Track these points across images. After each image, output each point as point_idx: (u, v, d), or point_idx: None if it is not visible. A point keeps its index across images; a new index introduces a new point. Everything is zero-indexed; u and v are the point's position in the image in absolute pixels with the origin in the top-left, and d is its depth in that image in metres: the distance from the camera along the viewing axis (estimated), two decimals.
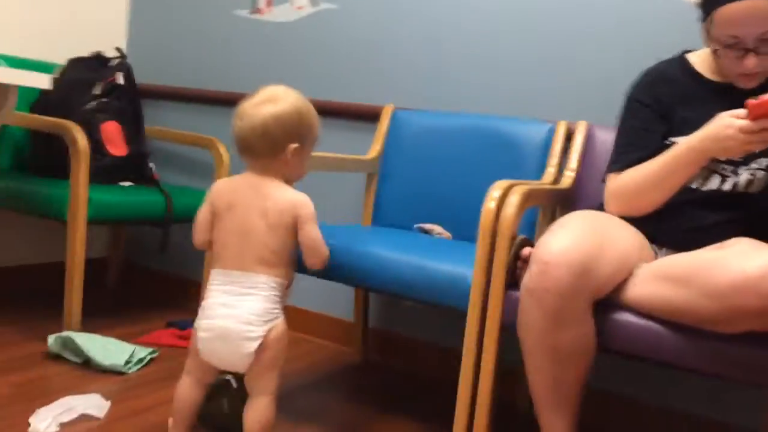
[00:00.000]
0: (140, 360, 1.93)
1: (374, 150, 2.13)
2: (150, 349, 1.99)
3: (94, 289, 2.65)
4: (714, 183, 1.41)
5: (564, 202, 1.82)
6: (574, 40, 2.00)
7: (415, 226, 1.99)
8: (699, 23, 1.42)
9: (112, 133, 2.27)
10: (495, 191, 1.45)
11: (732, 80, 1.41)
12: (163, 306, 2.57)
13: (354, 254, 1.58)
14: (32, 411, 1.52)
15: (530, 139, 1.94)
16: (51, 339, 1.91)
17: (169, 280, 2.75)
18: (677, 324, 1.22)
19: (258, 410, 1.38)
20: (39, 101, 2.29)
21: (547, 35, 2.04)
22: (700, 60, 1.50)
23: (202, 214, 1.46)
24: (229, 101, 2.48)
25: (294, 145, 1.41)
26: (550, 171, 1.87)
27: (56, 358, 1.90)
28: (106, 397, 1.65)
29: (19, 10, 2.46)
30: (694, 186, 1.42)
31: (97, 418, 1.57)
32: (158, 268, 2.79)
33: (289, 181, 1.46)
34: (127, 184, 2.29)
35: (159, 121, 2.75)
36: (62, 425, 1.51)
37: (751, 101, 1.23)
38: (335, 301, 2.36)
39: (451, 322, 2.16)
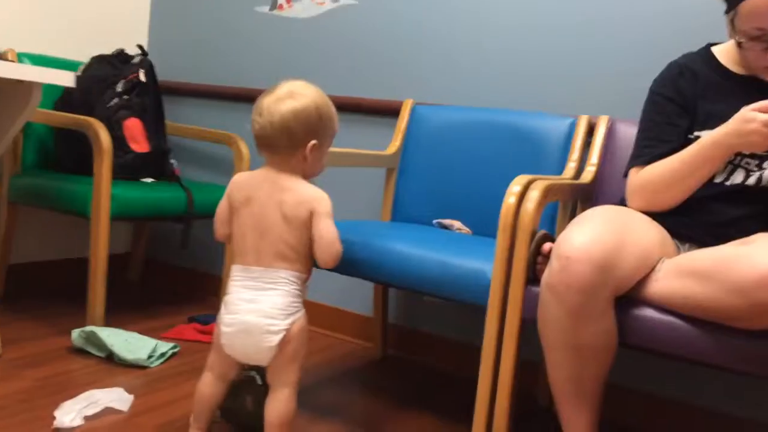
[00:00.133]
0: (162, 354, 1.95)
1: (394, 145, 2.13)
2: (172, 344, 2.01)
3: (116, 285, 2.69)
4: (738, 177, 1.39)
5: (585, 197, 1.81)
6: (596, 33, 1.98)
7: (435, 221, 1.99)
8: (724, 15, 1.40)
9: (134, 129, 2.28)
10: (515, 186, 1.44)
11: (757, 73, 1.39)
12: (185, 301, 2.60)
13: (373, 250, 1.58)
14: (57, 404, 1.55)
15: (551, 133, 1.92)
16: (75, 334, 1.94)
17: (190, 276, 2.77)
18: (699, 320, 1.20)
19: (279, 401, 1.39)
20: (62, 99, 2.32)
21: (568, 28, 2.02)
22: (725, 53, 1.47)
23: (221, 208, 1.47)
24: (249, 98, 2.49)
25: (313, 141, 1.41)
26: (571, 166, 1.86)
27: (80, 352, 1.93)
28: (129, 390, 1.67)
29: (43, 9, 2.49)
30: (718, 180, 1.40)
31: (121, 412, 1.59)
32: (180, 263, 2.81)
33: (307, 177, 1.46)
34: (148, 180, 2.31)
35: (180, 117, 2.77)
36: (87, 418, 1.53)
37: None
38: (354, 296, 2.36)
39: (471, 317, 2.15)
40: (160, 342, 1.99)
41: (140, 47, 2.46)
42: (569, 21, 2.02)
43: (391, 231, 1.72)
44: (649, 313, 1.25)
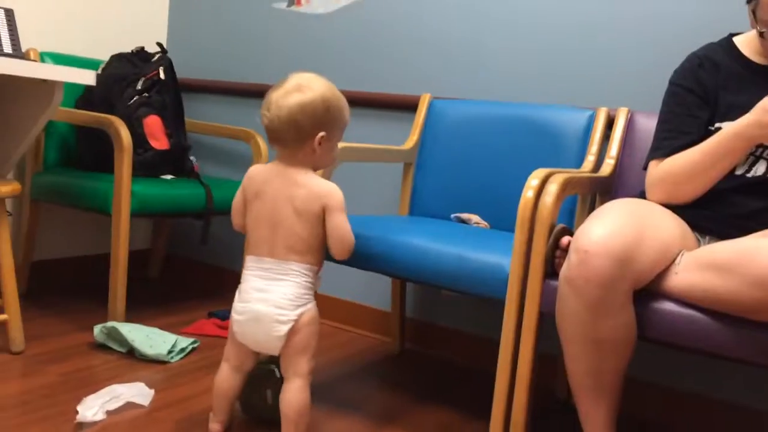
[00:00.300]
0: (182, 350, 1.97)
1: (411, 140, 2.13)
2: (192, 339, 2.03)
3: (137, 281, 2.72)
4: (760, 169, 1.38)
5: (604, 190, 1.79)
6: (615, 25, 1.96)
7: (453, 215, 1.98)
8: (746, 5, 1.38)
9: (154, 127, 2.30)
10: (533, 180, 1.44)
11: None
12: (204, 297, 2.62)
13: (391, 244, 1.58)
14: (79, 399, 1.57)
15: (569, 126, 1.91)
16: (96, 329, 1.96)
17: (210, 271, 2.79)
18: (719, 313, 1.19)
19: (290, 392, 1.41)
20: (83, 97, 2.34)
21: (585, 20, 2.00)
22: (747, 43, 1.46)
23: (237, 200, 1.51)
24: None
25: (321, 134, 1.41)
26: (590, 159, 1.84)
27: (102, 347, 1.95)
28: (150, 385, 1.69)
29: (64, 9, 2.51)
30: (739, 172, 1.39)
31: (142, 406, 1.60)
32: (199, 259, 2.84)
33: (318, 169, 1.48)
34: (168, 177, 2.33)
35: (199, 114, 2.79)
36: (108, 413, 1.55)
37: None
38: (372, 291, 2.37)
39: (489, 311, 2.15)
40: (180, 337, 2.01)
41: (160, 45, 2.48)
42: (587, 12, 2.00)
43: (408, 225, 1.72)
44: (668, 306, 1.24)
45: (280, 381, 1.47)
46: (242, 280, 1.44)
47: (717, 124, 1.41)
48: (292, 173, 1.43)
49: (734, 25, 1.54)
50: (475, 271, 1.47)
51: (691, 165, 1.38)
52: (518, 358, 1.42)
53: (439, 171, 2.07)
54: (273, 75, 2.62)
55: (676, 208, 1.41)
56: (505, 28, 2.13)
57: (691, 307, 1.22)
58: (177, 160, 2.38)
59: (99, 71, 2.34)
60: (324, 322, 2.42)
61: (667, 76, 1.52)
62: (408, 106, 2.26)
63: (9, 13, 1.96)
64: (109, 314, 2.08)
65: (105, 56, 2.47)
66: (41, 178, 2.26)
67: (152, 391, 1.66)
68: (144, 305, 2.41)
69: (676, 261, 1.26)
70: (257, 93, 2.62)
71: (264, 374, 1.54)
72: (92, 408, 1.52)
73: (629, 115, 1.84)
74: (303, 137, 1.41)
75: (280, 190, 1.42)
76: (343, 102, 1.46)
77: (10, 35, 1.93)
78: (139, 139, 2.22)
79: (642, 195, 1.50)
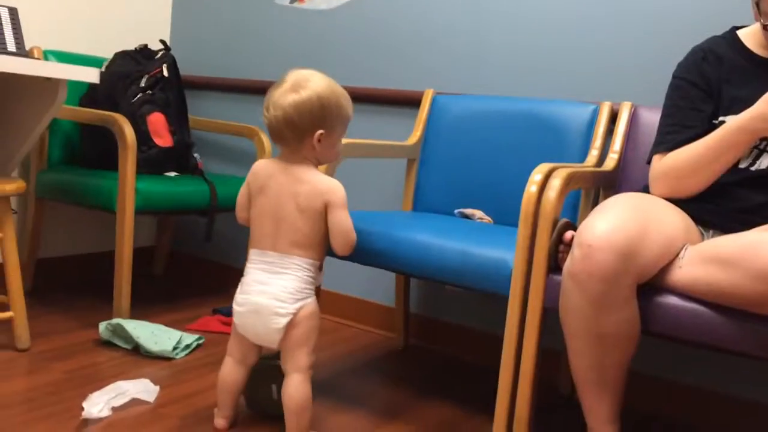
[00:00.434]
0: (187, 346, 1.97)
1: (415, 135, 2.13)
2: (196, 336, 2.04)
3: (142, 278, 2.73)
4: (764, 162, 1.37)
5: (607, 184, 1.79)
6: (618, 19, 1.95)
7: (456, 211, 1.98)
8: None
9: (157, 124, 2.31)
10: (537, 175, 1.43)
11: None
12: (209, 293, 2.62)
13: (395, 240, 1.58)
14: (85, 396, 1.57)
15: (573, 121, 1.91)
16: (102, 326, 1.96)
17: (214, 268, 2.80)
18: (723, 307, 1.19)
19: (292, 387, 1.42)
20: (87, 95, 2.35)
21: (588, 14, 2.00)
22: (751, 36, 1.45)
23: (242, 194, 1.52)
24: None
25: (320, 132, 1.42)
26: (594, 153, 1.84)
27: (107, 344, 1.96)
28: (155, 382, 1.69)
29: (67, 7, 2.52)
30: (742, 166, 1.38)
31: (147, 403, 1.61)
32: (204, 256, 2.84)
33: (320, 164, 1.49)
34: (172, 174, 2.33)
35: (202, 111, 2.79)
36: (114, 409, 1.55)
37: None
38: (376, 287, 2.37)
39: (493, 306, 2.15)
40: (185, 334, 2.01)
41: (163, 42, 2.48)
42: (593, 9, 1.99)
43: (412, 221, 1.72)
44: (672, 300, 1.24)
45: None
46: (245, 273, 1.46)
47: (721, 118, 1.41)
48: (296, 169, 1.44)
49: (737, 18, 1.54)
50: (478, 267, 1.47)
51: (695, 159, 1.38)
52: (522, 353, 1.42)
53: (443, 166, 2.06)
54: (276, 71, 2.62)
55: (680, 202, 1.41)
56: (508, 23, 2.13)
57: (695, 301, 1.22)
58: (181, 157, 2.39)
59: (102, 69, 2.34)
60: (328, 318, 2.43)
61: (671, 70, 1.51)
62: (411, 101, 2.26)
63: (13, 12, 1.96)
64: (114, 311, 2.09)
65: (108, 54, 2.47)
66: (46, 176, 2.27)
67: (157, 388, 1.66)
68: (149, 302, 2.42)
69: (680, 255, 1.26)
70: (260, 89, 2.62)
71: (268, 369, 1.54)
72: (98, 404, 1.52)
73: (632, 110, 1.84)
74: (301, 136, 1.42)
75: (284, 186, 1.43)
76: (344, 98, 1.46)
77: (14, 33, 1.93)
78: (143, 137, 2.23)
79: (646, 189, 1.50)
